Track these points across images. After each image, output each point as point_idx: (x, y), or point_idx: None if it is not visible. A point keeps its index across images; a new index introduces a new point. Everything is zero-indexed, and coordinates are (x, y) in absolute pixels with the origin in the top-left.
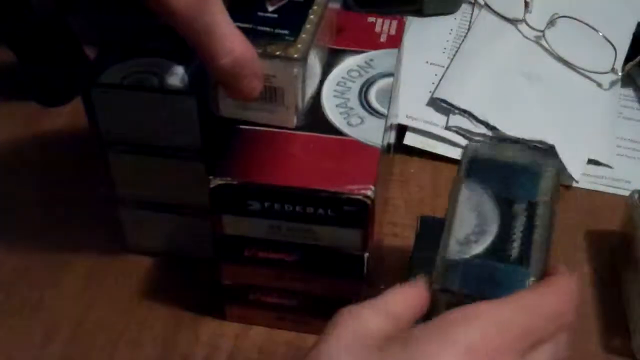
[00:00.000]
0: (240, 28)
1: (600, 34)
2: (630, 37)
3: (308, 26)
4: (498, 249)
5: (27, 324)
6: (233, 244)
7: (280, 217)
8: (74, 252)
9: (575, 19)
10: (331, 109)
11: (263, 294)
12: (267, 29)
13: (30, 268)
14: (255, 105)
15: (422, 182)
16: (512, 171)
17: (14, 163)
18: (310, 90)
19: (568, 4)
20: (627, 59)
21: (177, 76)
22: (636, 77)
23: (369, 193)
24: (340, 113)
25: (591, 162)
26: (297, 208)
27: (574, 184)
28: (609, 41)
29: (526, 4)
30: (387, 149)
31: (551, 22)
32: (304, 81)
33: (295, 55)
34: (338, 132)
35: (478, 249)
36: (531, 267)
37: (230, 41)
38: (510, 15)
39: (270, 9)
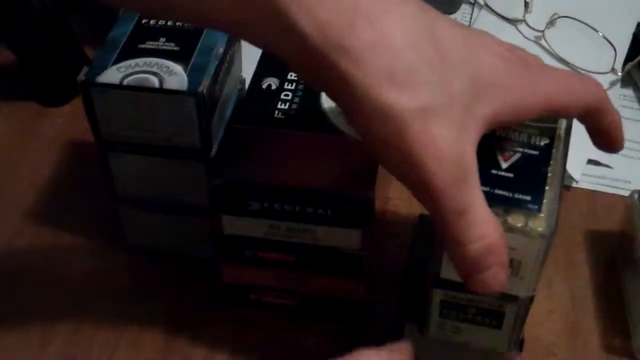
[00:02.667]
0: None
1: (600, 34)
2: (630, 37)
3: (549, 190)
4: None
5: (27, 324)
6: (233, 244)
7: (280, 217)
8: (74, 252)
9: (575, 19)
10: (331, 109)
11: (263, 294)
12: (505, 193)
13: (30, 268)
14: None
15: None
16: None
17: (14, 163)
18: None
19: (568, 4)
20: (627, 59)
21: (177, 76)
22: (636, 77)
23: (369, 193)
24: (340, 113)
25: (591, 162)
26: (297, 208)
27: (574, 184)
28: (609, 41)
29: (526, 4)
30: None
31: (551, 22)
32: (546, 254)
33: (540, 230)
34: (338, 132)
35: None
36: None
37: (485, 227)
38: (510, 15)
39: (504, 165)
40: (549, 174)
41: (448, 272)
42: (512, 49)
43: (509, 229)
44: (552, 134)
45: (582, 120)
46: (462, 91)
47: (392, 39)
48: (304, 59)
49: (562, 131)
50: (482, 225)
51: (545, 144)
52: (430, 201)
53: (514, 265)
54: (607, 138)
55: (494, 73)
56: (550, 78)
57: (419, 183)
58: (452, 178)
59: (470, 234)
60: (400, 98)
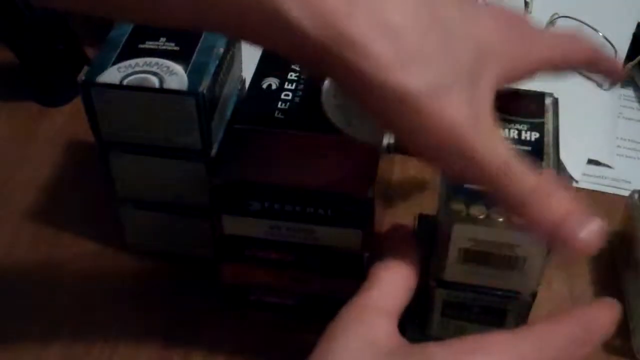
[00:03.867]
0: None
1: (600, 34)
2: (630, 37)
3: None
4: None
5: (28, 323)
6: (233, 244)
7: (280, 217)
8: (74, 252)
9: (575, 19)
10: (331, 109)
11: (263, 294)
12: None
13: (30, 268)
14: (488, 271)
15: (422, 182)
16: None
17: (14, 163)
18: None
19: (568, 4)
20: (627, 59)
21: (177, 76)
22: (636, 77)
23: (369, 193)
24: (341, 113)
25: (591, 162)
26: (297, 208)
27: (574, 184)
28: (609, 41)
29: (526, 4)
30: (387, 149)
31: (551, 22)
32: (550, 249)
33: None
34: (338, 132)
35: None
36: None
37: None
38: None
39: None
40: (545, 169)
41: (451, 272)
42: (504, 11)
43: (513, 226)
44: (541, 129)
45: (583, 68)
46: (467, 64)
47: (393, 23)
48: (306, 54)
49: (550, 125)
50: (529, 174)
51: (536, 139)
52: (471, 166)
53: (519, 262)
54: (610, 74)
55: (493, 40)
56: (542, 40)
57: (451, 151)
58: (483, 138)
59: (523, 180)
60: (409, 79)
